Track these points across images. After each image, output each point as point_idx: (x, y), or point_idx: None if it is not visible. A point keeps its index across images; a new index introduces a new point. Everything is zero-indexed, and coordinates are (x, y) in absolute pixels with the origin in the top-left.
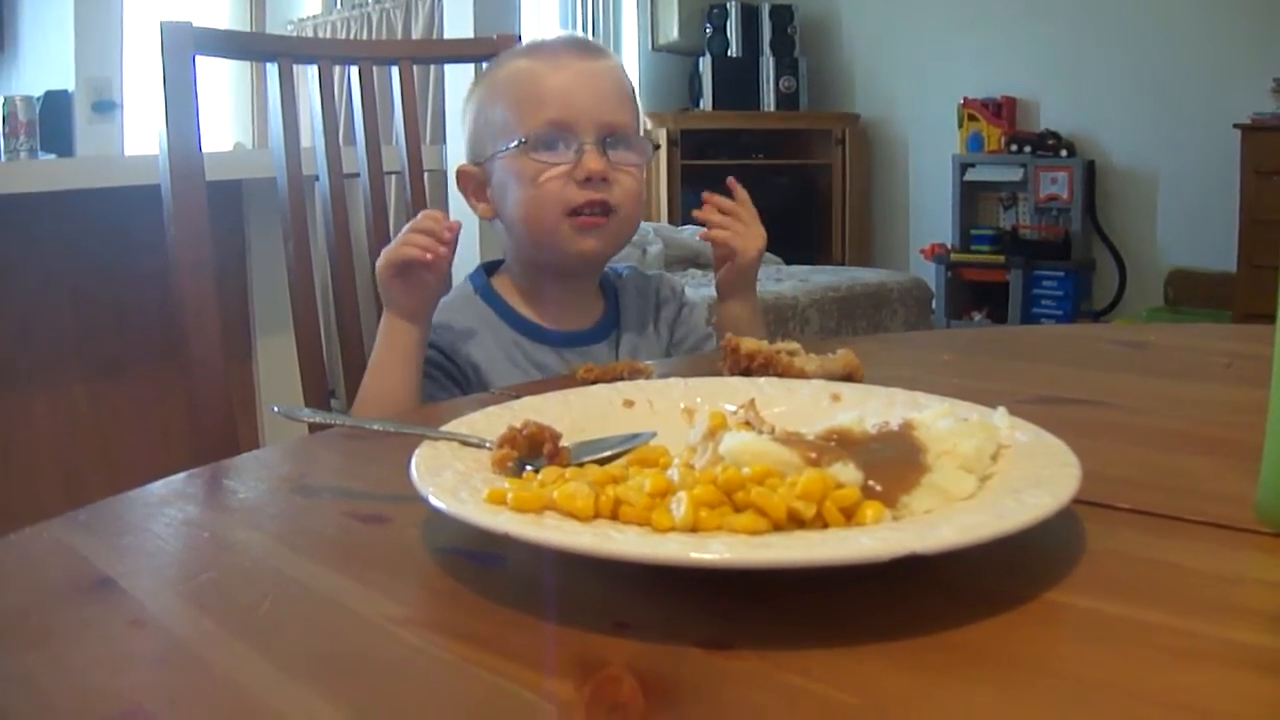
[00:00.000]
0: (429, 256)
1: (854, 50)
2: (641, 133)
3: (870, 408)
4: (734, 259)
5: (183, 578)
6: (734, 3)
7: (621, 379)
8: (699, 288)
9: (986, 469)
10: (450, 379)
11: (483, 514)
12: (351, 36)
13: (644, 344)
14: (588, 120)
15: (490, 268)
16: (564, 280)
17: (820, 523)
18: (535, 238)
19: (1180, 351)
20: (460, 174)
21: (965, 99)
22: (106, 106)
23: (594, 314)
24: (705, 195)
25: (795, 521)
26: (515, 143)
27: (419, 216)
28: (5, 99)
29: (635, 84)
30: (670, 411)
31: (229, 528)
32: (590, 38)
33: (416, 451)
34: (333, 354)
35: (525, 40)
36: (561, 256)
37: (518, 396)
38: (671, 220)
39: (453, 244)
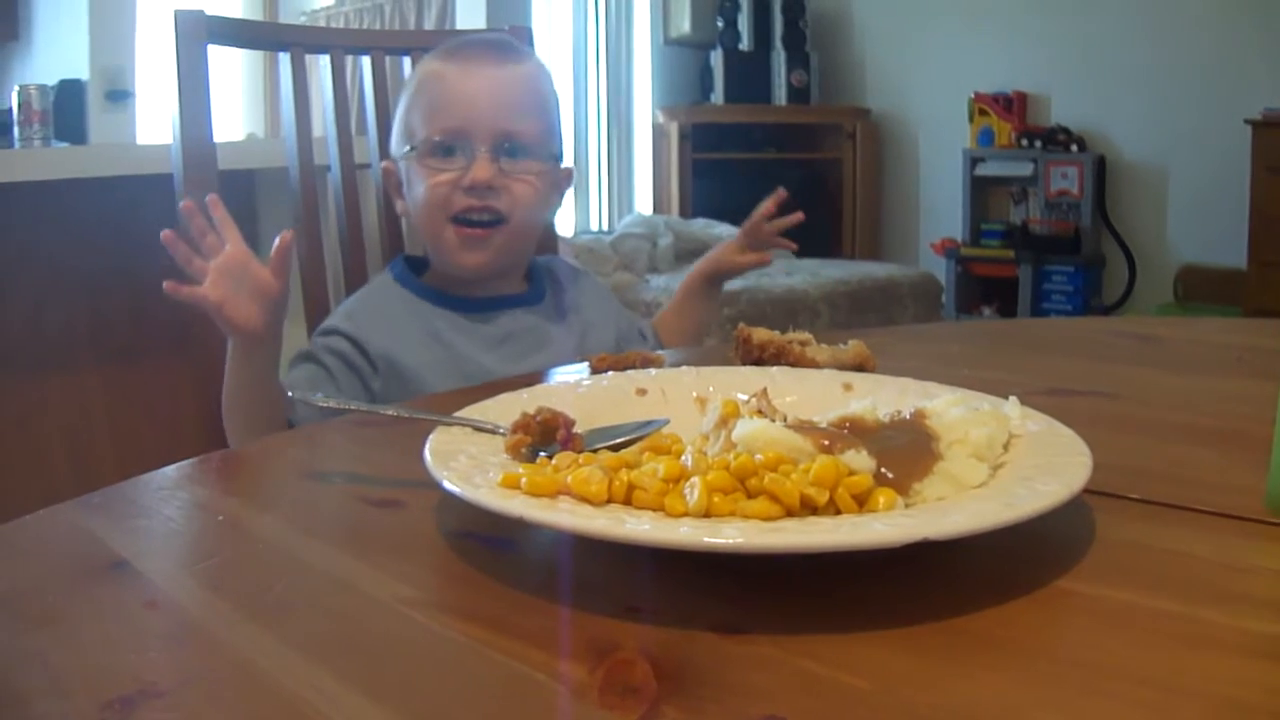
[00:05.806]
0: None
1: (865, 44)
2: (558, 139)
3: (882, 397)
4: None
5: (195, 560)
6: None
7: (634, 368)
8: None
9: (998, 458)
10: (350, 368)
11: (497, 498)
12: (364, 28)
13: (558, 332)
14: (485, 128)
15: (411, 260)
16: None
17: (833, 509)
18: (428, 242)
19: (1189, 345)
20: (384, 170)
21: (976, 93)
22: (120, 96)
23: (518, 289)
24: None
25: (808, 508)
26: (409, 148)
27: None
28: (20, 88)
29: (648, 77)
30: (683, 400)
31: (241, 511)
32: (515, 40)
33: (430, 437)
34: None
35: (450, 39)
36: (449, 267)
37: (531, 385)
38: (683, 213)
39: (213, 242)
